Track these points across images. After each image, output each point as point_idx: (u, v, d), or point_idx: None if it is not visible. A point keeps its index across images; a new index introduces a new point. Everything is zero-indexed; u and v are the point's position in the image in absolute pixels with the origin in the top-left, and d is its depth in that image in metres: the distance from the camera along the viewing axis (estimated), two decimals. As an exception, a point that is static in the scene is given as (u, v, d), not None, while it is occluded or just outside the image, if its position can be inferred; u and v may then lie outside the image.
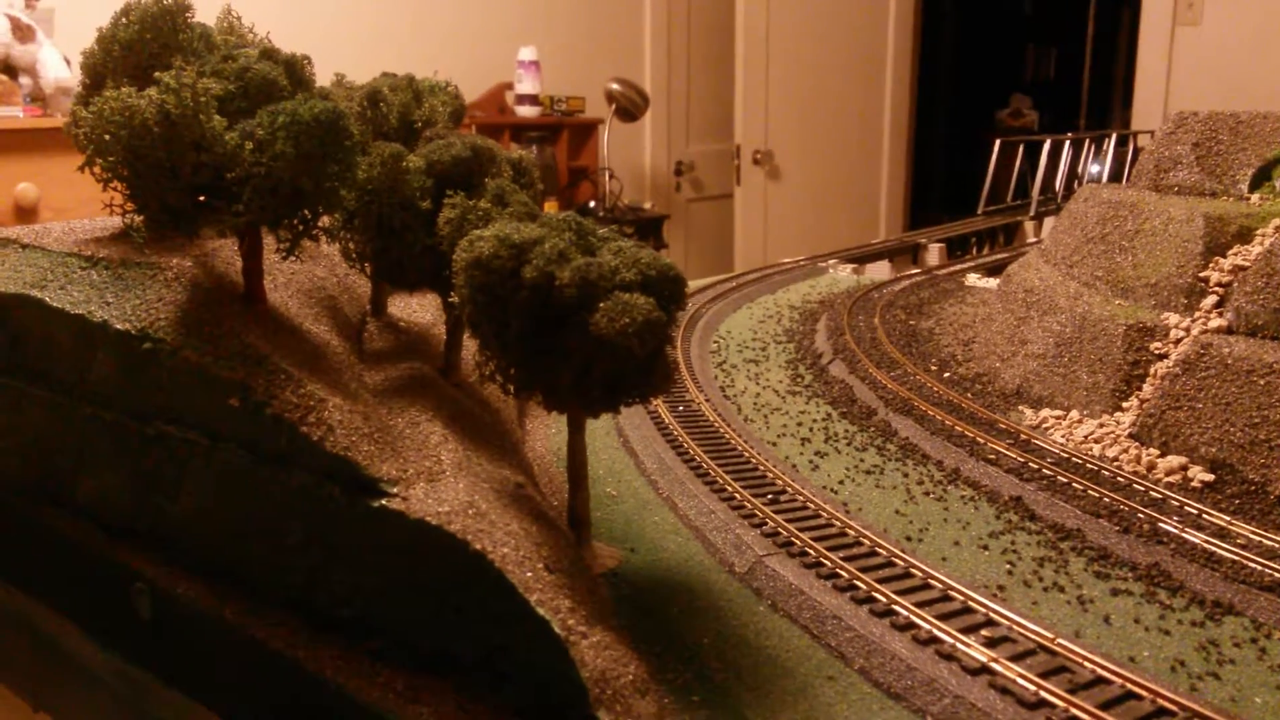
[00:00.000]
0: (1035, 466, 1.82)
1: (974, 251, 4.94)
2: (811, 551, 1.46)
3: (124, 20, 1.36)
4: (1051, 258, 2.57)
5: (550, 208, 5.80)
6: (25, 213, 3.74)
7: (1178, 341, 1.98)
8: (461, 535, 1.12)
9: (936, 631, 1.27)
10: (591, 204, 6.52)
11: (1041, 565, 1.53)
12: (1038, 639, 1.26)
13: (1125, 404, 2.02)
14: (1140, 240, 2.23)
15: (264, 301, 1.41)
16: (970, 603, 1.34)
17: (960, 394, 2.24)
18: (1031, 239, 5.08)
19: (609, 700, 1.07)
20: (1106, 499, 1.68)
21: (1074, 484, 1.74)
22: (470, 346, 1.58)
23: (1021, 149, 5.64)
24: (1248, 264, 1.98)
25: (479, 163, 1.56)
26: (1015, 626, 1.29)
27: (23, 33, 3.87)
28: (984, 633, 1.28)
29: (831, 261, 4.04)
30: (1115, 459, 1.88)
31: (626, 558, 1.53)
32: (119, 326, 1.32)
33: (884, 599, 1.34)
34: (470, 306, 1.30)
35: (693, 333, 2.81)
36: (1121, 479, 1.77)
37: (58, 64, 3.93)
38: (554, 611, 1.09)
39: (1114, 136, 5.63)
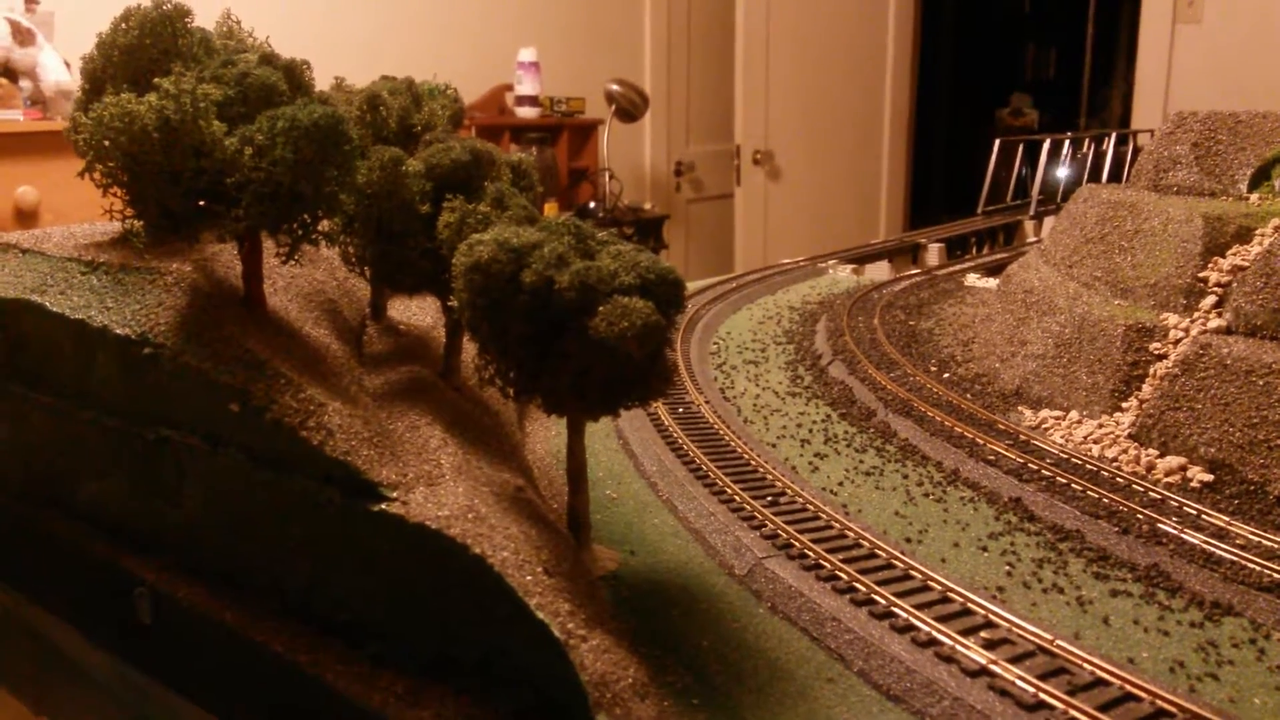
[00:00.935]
0: (1034, 467, 1.82)
1: (974, 252, 4.94)
2: (811, 553, 1.47)
3: (124, 25, 1.36)
4: (1051, 258, 2.57)
5: (550, 209, 5.81)
6: (25, 216, 3.74)
7: (1177, 342, 1.98)
8: (461, 539, 1.12)
9: (936, 633, 1.27)
10: (591, 205, 6.52)
11: (1041, 566, 1.54)
12: (1037, 640, 1.26)
13: (1124, 404, 2.02)
14: (1139, 240, 2.23)
15: (264, 306, 1.42)
16: (969, 604, 1.34)
17: (960, 395, 2.24)
18: (1031, 239, 5.08)
19: (609, 704, 1.07)
20: (1106, 500, 1.68)
21: (1073, 485, 1.74)
22: (470, 350, 1.59)
23: (1021, 148, 5.64)
24: (1247, 264, 1.98)
25: (478, 166, 1.56)
26: (1014, 628, 1.29)
27: (23, 36, 3.88)
28: (983, 634, 1.28)
29: (831, 262, 4.04)
30: (1114, 460, 1.89)
31: (626, 560, 1.53)
32: (119, 331, 1.32)
33: (883, 601, 1.34)
34: (469, 310, 1.31)
35: (692, 334, 2.82)
36: (1121, 480, 1.77)
37: (58, 67, 3.93)
38: (553, 615, 1.09)
39: (1113, 136, 5.63)
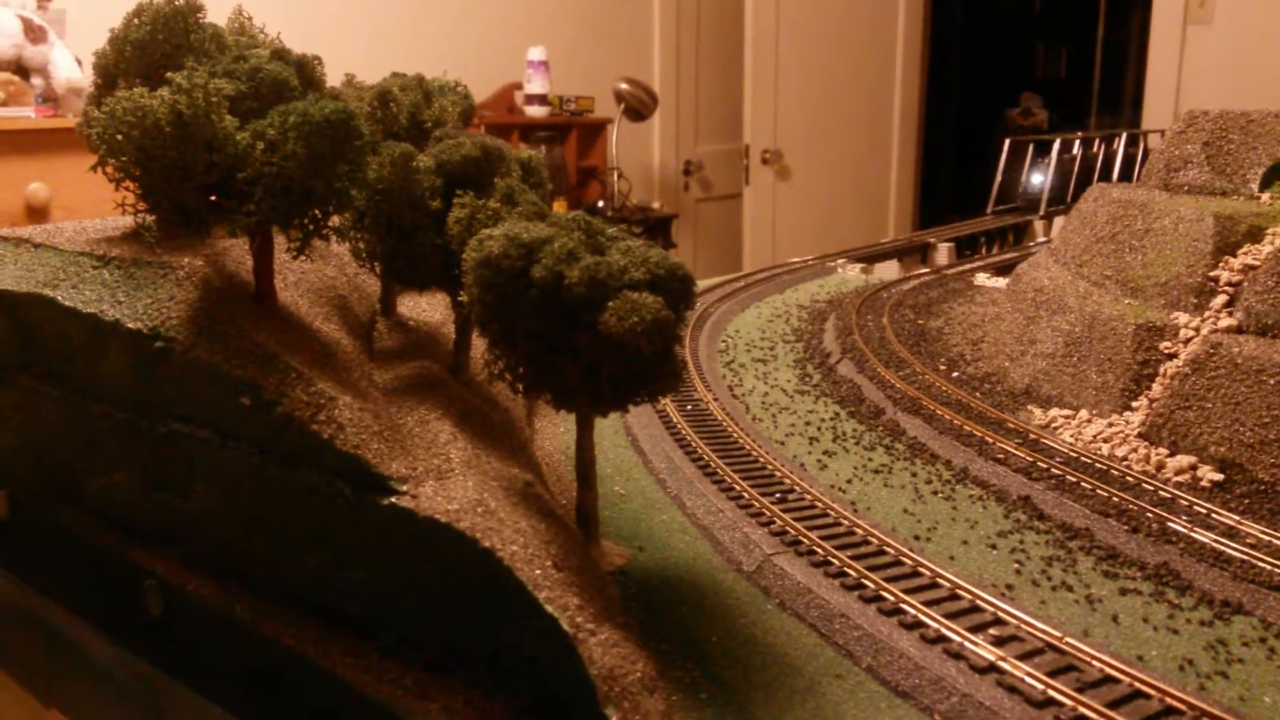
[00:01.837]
0: (1044, 466, 1.81)
1: (983, 251, 4.94)
2: (819, 550, 1.47)
3: (136, 21, 1.37)
4: (1061, 257, 2.57)
5: (559, 208, 5.81)
6: (37, 212, 3.76)
7: (1187, 341, 1.97)
8: (470, 532, 1.12)
9: (944, 630, 1.27)
10: (600, 204, 6.53)
11: (1050, 564, 1.53)
12: (1046, 638, 1.26)
13: (1134, 403, 2.01)
14: (1150, 239, 2.23)
15: (274, 300, 1.42)
16: (978, 601, 1.34)
17: (969, 393, 2.23)
18: (1041, 238, 5.07)
19: (617, 697, 1.07)
20: (1115, 498, 1.68)
21: (1083, 483, 1.74)
22: (479, 345, 1.59)
23: (1031, 148, 5.63)
24: (1258, 263, 1.97)
25: (488, 162, 1.56)
26: (1023, 625, 1.29)
27: (35, 33, 3.89)
28: (992, 631, 1.28)
29: (840, 261, 4.04)
30: (1124, 458, 1.88)
31: (634, 556, 1.53)
32: (131, 325, 1.33)
33: (892, 597, 1.34)
34: (479, 305, 1.31)
35: (701, 332, 2.82)
36: (1130, 478, 1.77)
37: (69, 65, 3.95)
38: (562, 609, 1.09)
39: (1124, 135, 5.61)
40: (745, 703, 1.18)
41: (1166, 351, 2.00)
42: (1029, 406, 2.19)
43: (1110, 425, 2.00)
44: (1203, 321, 1.98)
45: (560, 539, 1.26)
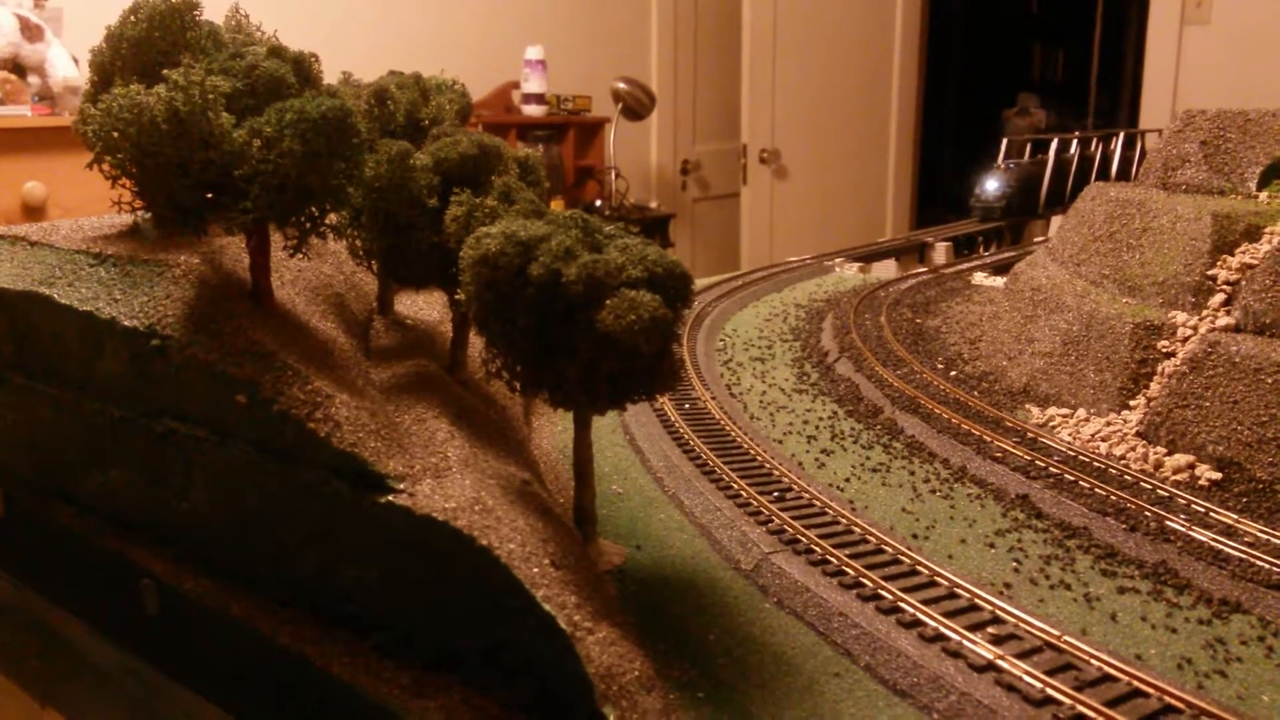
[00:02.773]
0: (1042, 464, 1.81)
1: (981, 250, 4.94)
2: (817, 549, 1.46)
3: (132, 18, 1.36)
4: (1059, 256, 2.57)
5: (556, 207, 5.81)
6: (33, 211, 3.75)
7: (1185, 340, 1.97)
8: (468, 531, 1.12)
9: (943, 629, 1.27)
10: (598, 203, 6.52)
11: (1048, 563, 1.53)
12: (1044, 636, 1.26)
13: (1132, 402, 2.01)
14: (1148, 238, 2.23)
15: (271, 299, 1.42)
16: (976, 600, 1.34)
17: (967, 392, 2.23)
18: (1039, 238, 5.07)
19: (614, 696, 1.07)
20: (1113, 497, 1.68)
21: (1081, 482, 1.74)
22: (477, 344, 1.59)
23: (1029, 147, 5.63)
24: (1256, 262, 1.97)
25: (486, 160, 1.56)
26: (1021, 624, 1.29)
27: (31, 32, 3.88)
28: (990, 630, 1.27)
29: (838, 260, 4.04)
30: (1122, 457, 1.88)
31: (632, 554, 1.53)
32: (127, 323, 1.33)
33: (890, 596, 1.34)
34: (477, 304, 1.31)
35: (699, 331, 2.81)
36: (1128, 477, 1.77)
37: (66, 63, 3.94)
38: (560, 607, 1.09)
39: (1121, 135, 5.61)
40: (743, 701, 1.18)
41: (1164, 350, 2.00)
42: (1027, 405, 2.19)
43: (1108, 424, 2.00)
44: (1200, 320, 1.98)
45: (558, 537, 1.26)
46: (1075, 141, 5.64)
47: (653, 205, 7.24)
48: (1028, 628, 1.28)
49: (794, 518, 1.55)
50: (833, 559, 1.43)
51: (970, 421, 2.02)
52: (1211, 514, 1.62)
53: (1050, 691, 1.15)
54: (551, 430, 2.00)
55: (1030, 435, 1.96)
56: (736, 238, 7.14)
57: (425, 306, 2.00)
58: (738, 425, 1.98)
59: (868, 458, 1.95)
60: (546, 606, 1.08)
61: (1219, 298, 1.99)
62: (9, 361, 1.59)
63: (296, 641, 1.25)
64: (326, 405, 1.24)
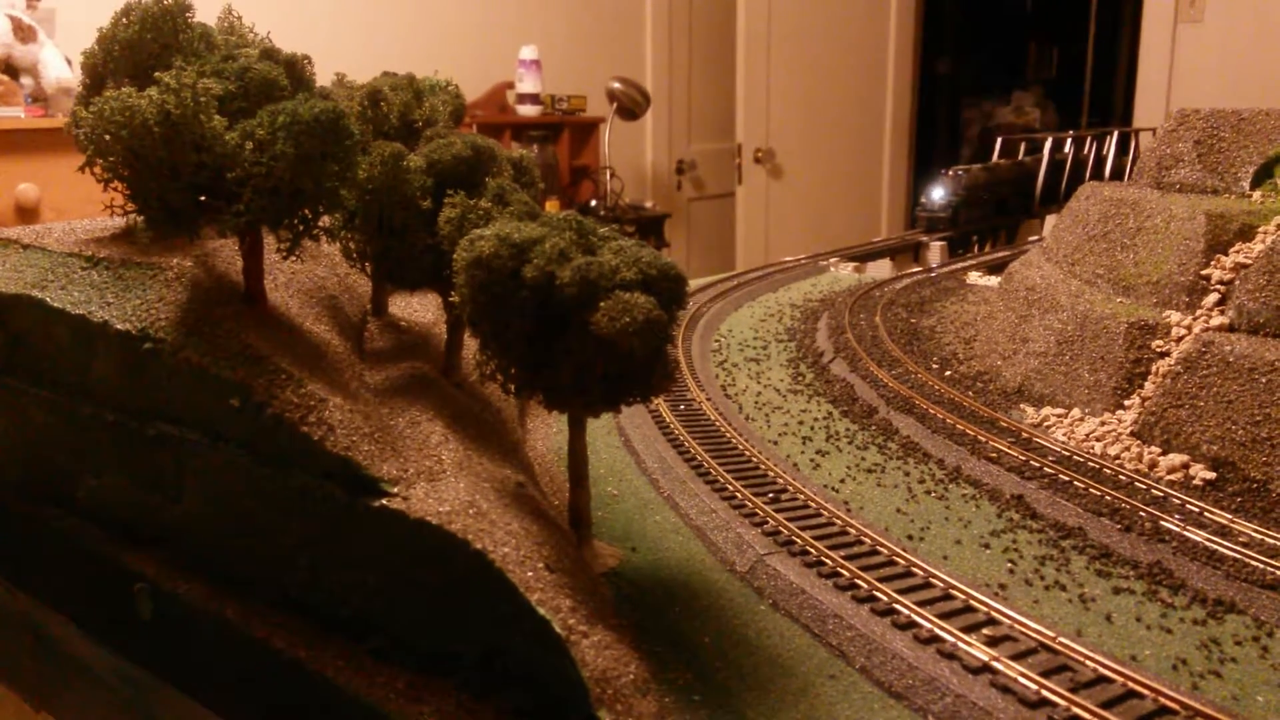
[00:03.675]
0: (1037, 465, 1.81)
1: (975, 250, 4.94)
2: (812, 550, 1.46)
3: (124, 20, 1.36)
4: (1053, 256, 2.57)
5: (551, 207, 5.81)
6: (26, 213, 3.74)
7: (1179, 339, 1.98)
8: (462, 534, 1.12)
9: (938, 630, 1.27)
10: (593, 203, 6.52)
11: (1043, 564, 1.53)
12: (1039, 638, 1.26)
13: (1127, 402, 2.01)
14: (1142, 238, 2.23)
15: (264, 301, 1.41)
16: (971, 601, 1.34)
17: (961, 392, 2.23)
18: (1033, 237, 5.07)
19: (610, 700, 1.07)
20: (1108, 497, 1.68)
21: (1075, 482, 1.74)
22: (471, 346, 1.58)
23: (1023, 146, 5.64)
24: (1249, 262, 1.97)
25: (480, 161, 1.56)
26: (1016, 625, 1.29)
27: (24, 33, 3.88)
28: (985, 631, 1.27)
29: (833, 260, 4.04)
30: (1117, 457, 1.88)
31: (627, 557, 1.53)
32: (120, 326, 1.32)
33: (885, 598, 1.34)
34: (471, 306, 1.30)
35: (694, 331, 2.81)
36: (1123, 477, 1.77)
37: (59, 64, 3.93)
38: (555, 611, 1.09)
39: (1115, 134, 5.62)
40: (738, 704, 1.18)
41: (1159, 350, 2.00)
42: (1021, 405, 2.19)
43: (1103, 424, 2.00)
44: (1195, 320, 1.98)
45: (553, 540, 1.26)
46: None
47: (648, 205, 7.25)
48: (1023, 629, 1.28)
49: (789, 519, 1.55)
50: (828, 560, 1.43)
51: (965, 422, 2.02)
52: (1206, 514, 1.62)
53: (1045, 693, 1.15)
54: (546, 432, 2.00)
55: (1025, 435, 1.96)
56: (731, 237, 7.15)
57: (419, 309, 1.99)
58: (733, 426, 1.98)
59: (863, 458, 1.95)
60: (541, 610, 1.08)
61: (1213, 297, 1.99)
62: (1, 365, 1.58)
63: (290, 646, 1.25)
64: (320, 408, 1.24)
